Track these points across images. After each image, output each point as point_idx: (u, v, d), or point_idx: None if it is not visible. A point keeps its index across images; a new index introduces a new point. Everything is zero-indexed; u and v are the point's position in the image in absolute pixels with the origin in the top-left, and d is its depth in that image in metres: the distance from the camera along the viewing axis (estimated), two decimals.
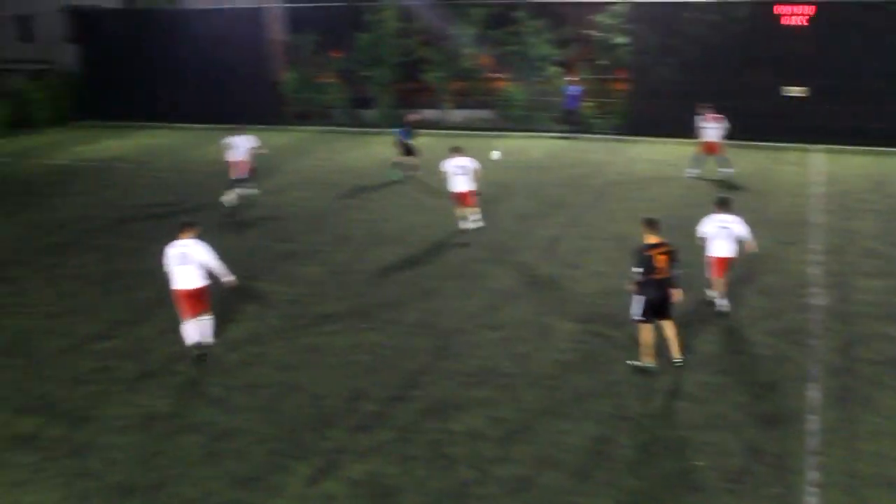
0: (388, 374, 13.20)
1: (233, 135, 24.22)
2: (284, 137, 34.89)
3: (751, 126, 30.58)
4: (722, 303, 15.44)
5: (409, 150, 26.50)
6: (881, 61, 30.13)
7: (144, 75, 38.70)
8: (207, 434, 11.54)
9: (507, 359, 13.66)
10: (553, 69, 35.22)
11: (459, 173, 20.22)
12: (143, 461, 10.94)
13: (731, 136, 25.82)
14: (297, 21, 38.87)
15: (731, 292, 15.99)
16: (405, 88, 38.31)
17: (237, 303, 16.16)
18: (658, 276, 12.92)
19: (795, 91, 31.20)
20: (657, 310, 13.11)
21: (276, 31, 38.54)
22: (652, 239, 13.12)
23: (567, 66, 35.98)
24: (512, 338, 14.44)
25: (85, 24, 40.67)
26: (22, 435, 11.66)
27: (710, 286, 15.68)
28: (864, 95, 30.35)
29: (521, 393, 12.55)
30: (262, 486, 10.36)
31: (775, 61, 31.54)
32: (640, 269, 12.92)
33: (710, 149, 25.41)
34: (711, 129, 25.33)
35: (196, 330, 13.79)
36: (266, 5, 37.52)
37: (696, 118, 25.75)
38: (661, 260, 12.90)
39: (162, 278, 13.95)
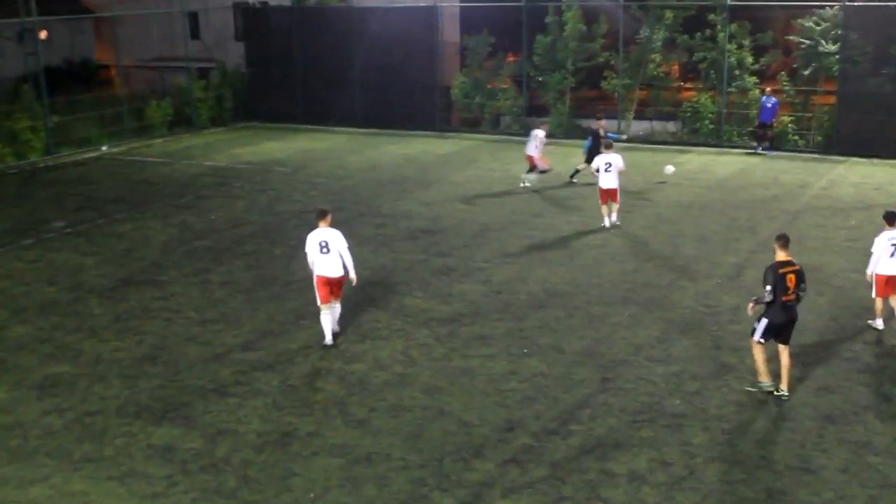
0: (545, 405, 13.17)
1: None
2: (450, 145, 35.40)
3: None
4: (877, 323, 15.82)
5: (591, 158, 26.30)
6: None
7: (309, 76, 39.98)
8: (347, 457, 11.79)
9: (676, 396, 13.39)
10: (749, 79, 34.42)
11: (606, 169, 22.43)
12: (280, 482, 11.27)
13: None
14: (471, 21, 39.43)
15: None
16: (583, 96, 38.24)
17: (387, 319, 16.49)
18: (787, 298, 13.08)
19: None
20: (779, 333, 13.33)
21: (450, 32, 39.15)
22: (783, 257, 13.28)
23: (765, 76, 35.11)
24: (684, 373, 14.15)
25: (252, 22, 42.49)
26: (157, 445, 12.22)
27: (873, 311, 15.94)
28: None
29: (690, 435, 12.28)
30: None
31: None
32: (771, 289, 13.02)
33: None
34: None
35: (329, 319, 15.44)
36: (441, 4, 38.09)
37: None
38: (791, 279, 13.07)
39: (311, 290, 14.34)
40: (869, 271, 15.79)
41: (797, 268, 13.21)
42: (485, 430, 12.42)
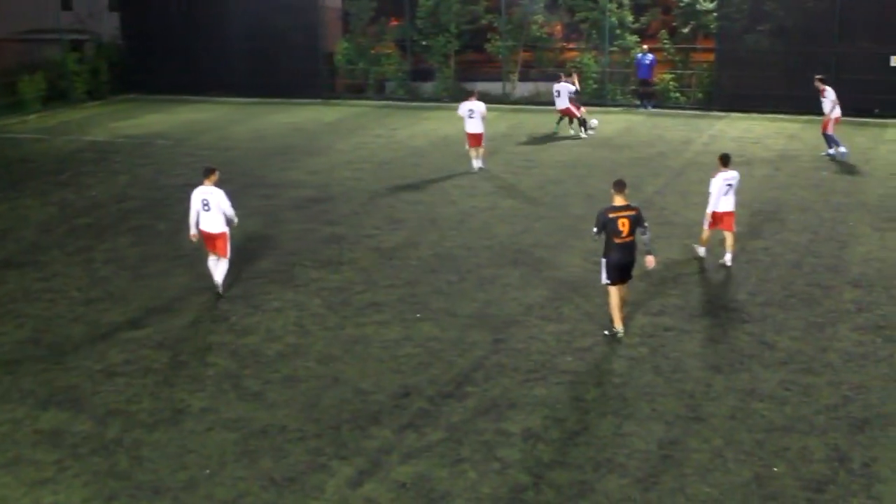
0: (440, 368, 13.25)
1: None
2: (336, 112, 35.18)
3: (851, 100, 30.08)
4: (700, 251, 17.39)
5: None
6: None
7: (189, 45, 39.21)
8: (243, 431, 11.70)
9: (568, 354, 13.62)
10: (630, 38, 34.93)
11: (470, 116, 24.41)
12: (175, 460, 11.12)
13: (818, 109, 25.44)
14: None
15: (821, 283, 15.92)
16: (468, 59, 38.32)
17: (278, 290, 16.37)
18: (620, 240, 13.67)
19: None
20: (622, 273, 13.94)
21: None
22: (618, 202, 13.80)
23: (646, 35, 35.69)
24: (575, 331, 14.40)
25: None
26: (45, 431, 11.90)
27: (700, 242, 17.42)
28: None
29: (582, 391, 12.51)
30: (300, 488, 10.46)
31: (880, 28, 30.92)
32: (597, 231, 13.81)
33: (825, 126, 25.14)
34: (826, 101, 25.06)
35: (216, 263, 16.10)
36: None
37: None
38: (624, 223, 13.62)
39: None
40: (708, 210, 16.77)
41: (632, 213, 13.73)
42: (381, 397, 12.45)
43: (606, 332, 14.14)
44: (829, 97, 24.85)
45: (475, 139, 24.57)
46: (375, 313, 15.30)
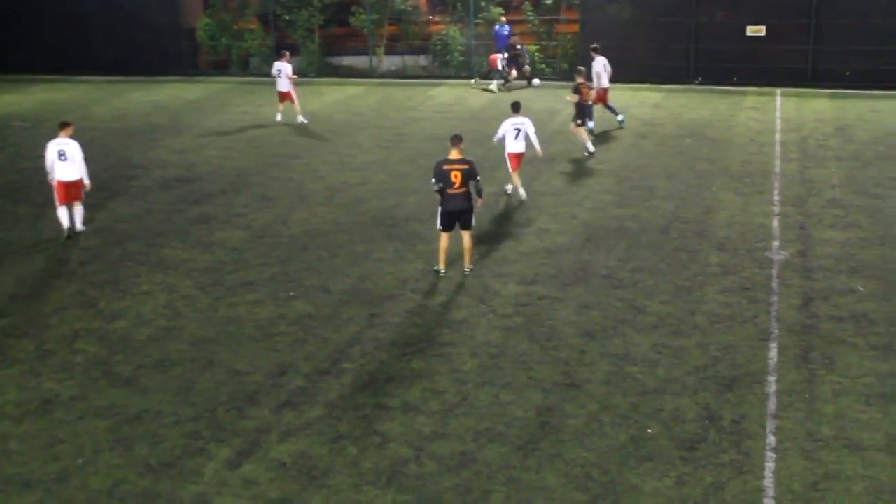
0: (315, 346, 13.18)
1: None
2: (199, 90, 34.47)
3: (711, 69, 31.04)
4: (521, 193, 19.31)
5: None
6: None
7: (43, 21, 37.77)
8: (115, 418, 11.42)
9: (444, 326, 13.71)
10: (495, 10, 35.13)
11: (279, 75, 26.83)
12: (44, 451, 10.79)
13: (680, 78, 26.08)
14: None
15: (688, 247, 16.39)
16: (333, 34, 37.97)
17: (147, 273, 16.00)
18: (454, 190, 14.97)
19: (757, 31, 31.55)
20: (458, 220, 15.25)
21: None
22: (453, 155, 15.19)
23: (510, 7, 35.94)
24: (450, 303, 14.49)
25: None
26: None
27: (510, 181, 19.47)
28: (829, 34, 30.81)
29: (459, 363, 12.61)
30: (178, 472, 10.28)
31: None
32: (435, 181, 15.10)
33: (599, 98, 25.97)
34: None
35: (67, 215, 17.44)
36: None
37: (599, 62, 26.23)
38: (457, 175, 14.91)
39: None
40: (495, 140, 19.54)
41: (465, 166, 15.03)
42: (257, 377, 12.32)
43: (435, 269, 15.57)
44: (596, 68, 25.89)
45: (287, 97, 26.60)
46: (248, 293, 15.11)
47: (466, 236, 15.45)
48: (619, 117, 25.94)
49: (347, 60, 36.91)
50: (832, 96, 29.58)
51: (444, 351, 12.95)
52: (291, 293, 15.02)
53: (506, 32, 33.43)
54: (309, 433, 10.97)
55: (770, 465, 10.07)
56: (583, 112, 23.22)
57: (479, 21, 35.12)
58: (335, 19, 37.30)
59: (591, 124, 24.41)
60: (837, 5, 30.85)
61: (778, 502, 9.47)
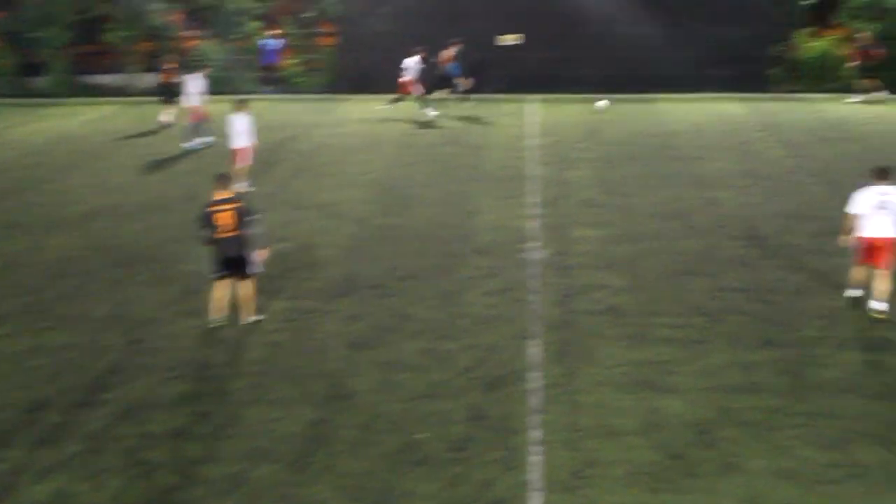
0: (73, 377, 12.57)
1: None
2: None
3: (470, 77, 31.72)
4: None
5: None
6: (592, 7, 32.07)
7: None
8: None
9: (209, 347, 13.38)
10: (253, 24, 34.73)
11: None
12: None
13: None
14: None
15: (451, 253, 16.68)
16: (83, 51, 36.49)
17: None
18: (222, 235, 13.43)
19: (510, 39, 32.54)
20: (231, 267, 13.66)
21: None
22: (219, 195, 13.73)
23: (270, 21, 35.60)
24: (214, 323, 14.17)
25: None
26: None
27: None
28: (577, 42, 32.20)
29: (227, 383, 12.34)
30: None
31: (489, 9, 32.78)
32: (203, 228, 13.58)
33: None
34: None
35: None
36: None
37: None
38: (223, 217, 13.40)
39: None
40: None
41: (233, 206, 13.54)
42: (9, 415, 11.61)
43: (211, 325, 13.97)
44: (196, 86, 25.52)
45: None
46: None
47: (244, 286, 13.86)
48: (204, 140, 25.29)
49: (103, 79, 35.53)
50: (580, 101, 30.86)
51: (209, 373, 12.66)
52: (48, 323, 14.23)
53: (270, 47, 33.11)
54: (68, 469, 10.45)
55: (536, 459, 10.36)
56: None
57: (238, 36, 34.60)
58: (85, 36, 35.85)
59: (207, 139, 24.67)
60: (583, 14, 32.28)
61: (545, 493, 9.75)
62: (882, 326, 13.54)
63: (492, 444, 10.70)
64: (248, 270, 13.76)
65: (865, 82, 30.77)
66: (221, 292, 13.83)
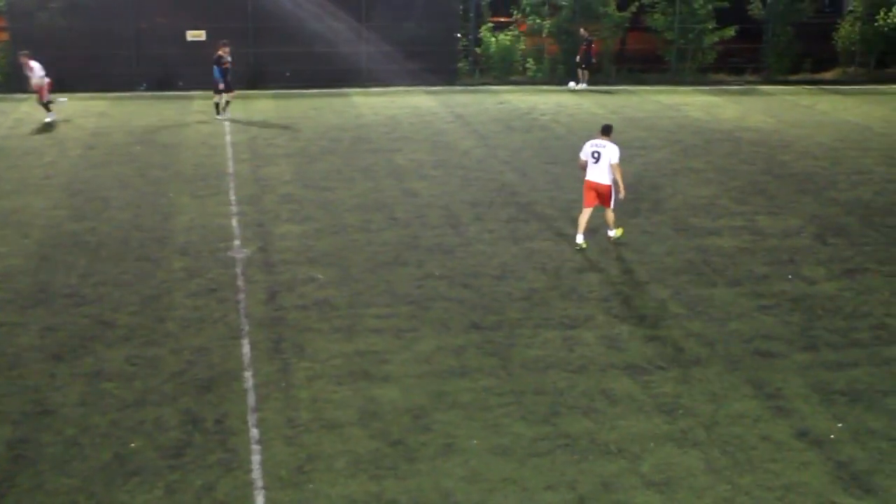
0: None
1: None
2: None
3: (155, 75, 31.05)
4: None
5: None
6: (284, 4, 32.24)
7: None
8: None
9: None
10: None
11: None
12: None
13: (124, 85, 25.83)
14: None
15: (150, 255, 16.33)
16: None
17: None
18: None
19: (197, 35, 32.09)
20: None
21: None
22: None
23: None
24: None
25: None
26: None
27: None
28: (268, 38, 32.26)
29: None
30: None
31: (174, 5, 32.18)
32: None
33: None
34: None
35: None
36: None
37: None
38: None
39: None
40: None
41: None
42: None
43: None
44: (37, 72, 26.69)
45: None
46: None
47: None
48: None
49: None
50: (275, 97, 30.87)
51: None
52: None
53: None
54: None
55: (256, 458, 10.35)
56: None
57: None
58: None
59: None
60: (272, 10, 32.35)
61: (267, 492, 9.78)
62: (572, 305, 14.55)
63: (210, 447, 10.58)
64: None
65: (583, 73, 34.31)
66: None
